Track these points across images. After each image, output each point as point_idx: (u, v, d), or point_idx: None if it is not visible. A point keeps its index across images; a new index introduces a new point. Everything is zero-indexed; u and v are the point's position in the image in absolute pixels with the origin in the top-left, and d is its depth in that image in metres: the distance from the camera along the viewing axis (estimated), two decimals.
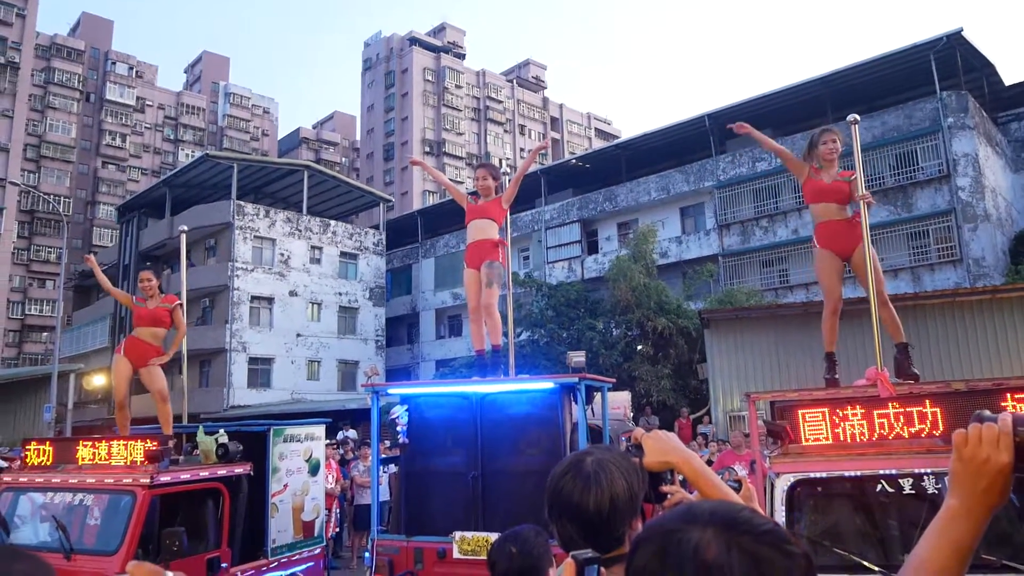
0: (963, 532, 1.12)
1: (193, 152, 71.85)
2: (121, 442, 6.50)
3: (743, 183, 29.79)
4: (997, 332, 14.65)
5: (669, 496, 1.80)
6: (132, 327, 7.83)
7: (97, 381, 37.86)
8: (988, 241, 24.13)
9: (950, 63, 25.65)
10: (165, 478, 5.96)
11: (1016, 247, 25.59)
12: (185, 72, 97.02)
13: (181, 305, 7.78)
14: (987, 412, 1.16)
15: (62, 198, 66.19)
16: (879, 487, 3.94)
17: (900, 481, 3.88)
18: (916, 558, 1.15)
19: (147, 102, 79.90)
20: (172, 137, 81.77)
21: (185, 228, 9.66)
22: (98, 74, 76.14)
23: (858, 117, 5.81)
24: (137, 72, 79.18)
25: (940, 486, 3.81)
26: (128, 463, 6.32)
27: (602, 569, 1.41)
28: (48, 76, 71.50)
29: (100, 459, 6.47)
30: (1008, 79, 29.26)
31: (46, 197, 49.81)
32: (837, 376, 5.85)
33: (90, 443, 6.68)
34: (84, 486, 6.07)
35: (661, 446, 1.73)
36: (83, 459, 6.55)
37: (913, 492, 3.86)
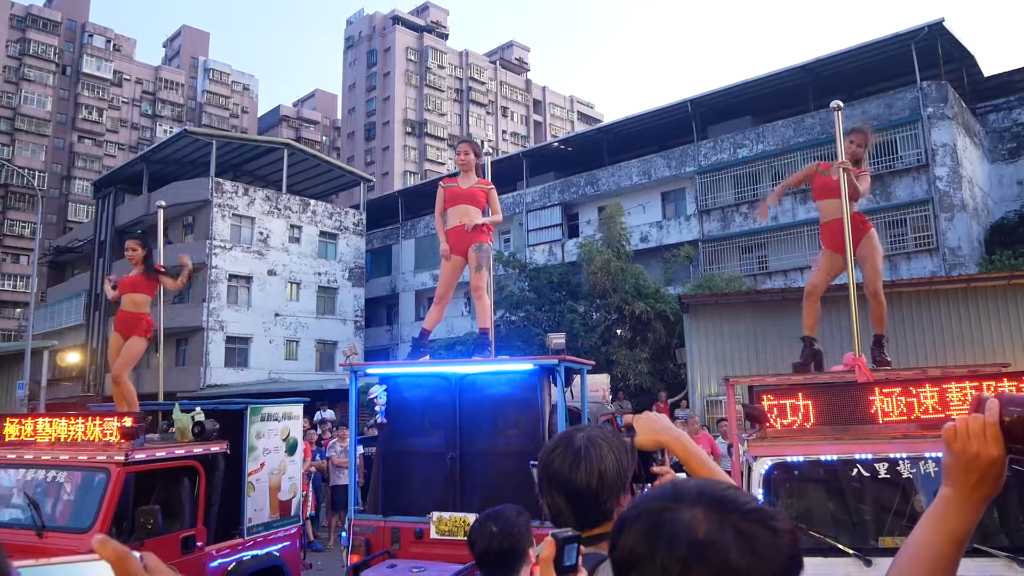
0: (958, 521, 1.13)
1: (171, 128, 70.74)
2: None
3: (724, 169, 29.87)
4: (972, 321, 14.84)
5: (660, 477, 1.83)
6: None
7: (71, 358, 37.48)
8: (964, 231, 24.39)
9: (931, 53, 25.80)
10: (140, 455, 5.91)
11: (991, 237, 25.91)
12: (164, 46, 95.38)
13: (162, 273, 7.64)
14: (987, 394, 1.15)
15: (37, 172, 65.03)
16: (855, 471, 3.98)
17: (876, 466, 3.92)
18: (912, 545, 1.15)
19: (125, 76, 78.52)
20: (150, 112, 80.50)
21: (163, 204, 9.50)
22: (75, 46, 74.68)
23: (841, 104, 5.83)
24: (115, 45, 77.74)
25: (915, 470, 3.85)
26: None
27: (582, 547, 1.42)
28: (23, 48, 70.07)
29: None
30: (988, 70, 29.53)
31: (20, 171, 48.86)
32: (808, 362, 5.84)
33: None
34: (58, 463, 6.00)
35: (653, 425, 1.78)
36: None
37: (888, 476, 3.90)
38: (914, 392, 3.92)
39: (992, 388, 3.79)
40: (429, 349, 7.30)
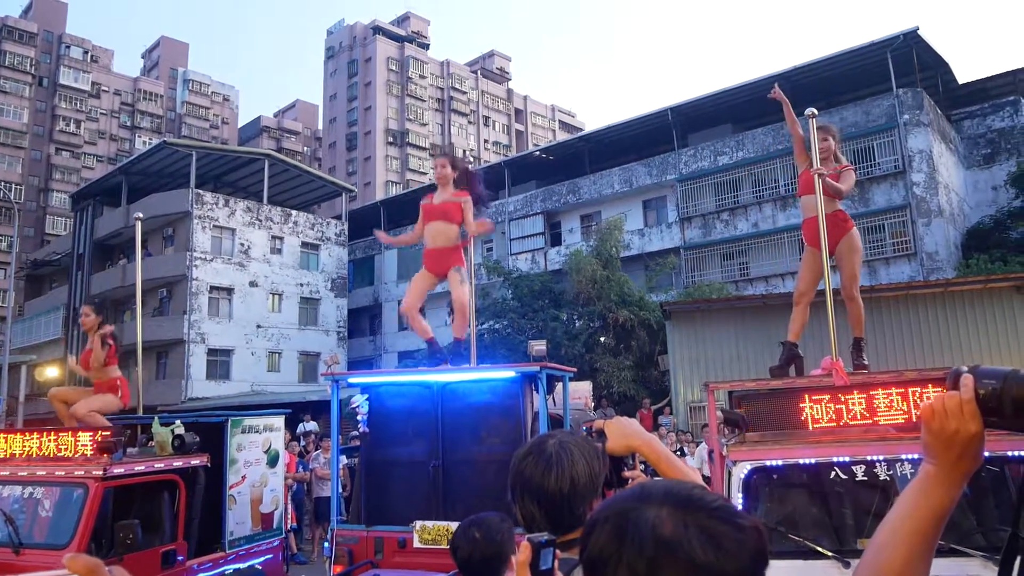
0: (940, 496, 1.14)
1: (150, 139, 70.21)
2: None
3: (705, 177, 30.07)
4: (949, 324, 15.01)
5: (631, 481, 1.83)
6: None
7: (50, 373, 37.01)
8: (941, 236, 24.69)
9: (906, 61, 26.15)
10: (118, 470, 5.85)
11: (968, 242, 26.24)
12: (142, 57, 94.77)
13: (108, 336, 7.36)
14: (963, 368, 1.16)
15: (13, 185, 64.35)
16: (834, 474, 4.01)
17: (854, 468, 3.95)
18: (893, 519, 1.16)
19: (103, 87, 77.93)
20: (128, 124, 79.90)
21: (140, 216, 9.42)
22: (51, 58, 74.04)
23: (816, 111, 5.87)
24: (92, 56, 77.16)
25: (892, 472, 3.89)
26: (7, 455, 6.25)
27: (557, 552, 1.42)
28: None
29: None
30: (961, 78, 29.97)
31: None
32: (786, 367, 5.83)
33: None
34: (35, 478, 5.93)
35: (623, 430, 1.81)
36: None
37: (867, 479, 3.93)
38: (888, 394, 3.96)
39: None
40: (444, 355, 7.10)
